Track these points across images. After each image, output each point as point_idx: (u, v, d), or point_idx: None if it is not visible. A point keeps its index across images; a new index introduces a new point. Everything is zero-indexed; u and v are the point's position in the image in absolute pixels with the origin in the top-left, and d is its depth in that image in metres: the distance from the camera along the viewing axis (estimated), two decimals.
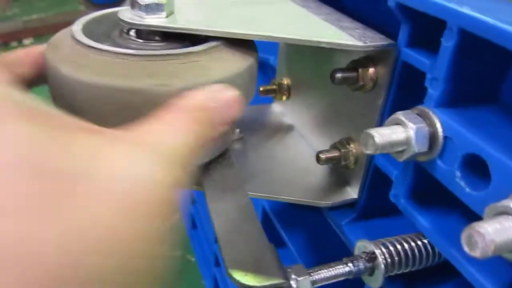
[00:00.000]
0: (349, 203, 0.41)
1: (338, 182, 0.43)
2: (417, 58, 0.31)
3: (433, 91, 0.29)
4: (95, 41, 0.29)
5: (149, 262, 0.19)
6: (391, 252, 0.34)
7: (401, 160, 0.29)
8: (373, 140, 0.28)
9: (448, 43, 0.27)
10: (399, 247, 0.34)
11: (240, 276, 0.28)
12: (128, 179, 0.19)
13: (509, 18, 0.24)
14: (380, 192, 0.36)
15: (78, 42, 0.28)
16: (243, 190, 0.32)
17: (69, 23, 0.32)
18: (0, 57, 0.29)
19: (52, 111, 0.21)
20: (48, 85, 0.29)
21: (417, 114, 0.29)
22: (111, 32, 0.34)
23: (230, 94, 0.27)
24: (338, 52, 0.40)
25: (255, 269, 0.29)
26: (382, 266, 0.33)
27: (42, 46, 0.30)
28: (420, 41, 0.32)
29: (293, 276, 0.32)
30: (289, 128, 0.52)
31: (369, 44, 0.33)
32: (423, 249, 0.34)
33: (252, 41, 0.34)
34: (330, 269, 0.34)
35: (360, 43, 0.32)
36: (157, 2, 0.30)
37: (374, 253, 0.34)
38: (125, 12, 0.31)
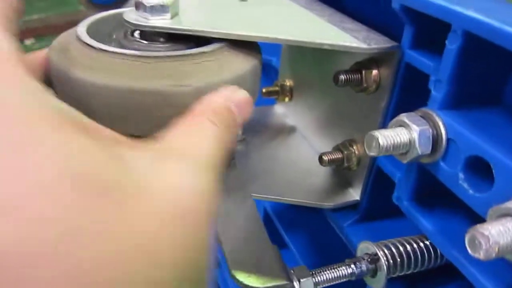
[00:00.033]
0: (351, 205, 0.41)
1: (341, 184, 0.43)
2: (421, 60, 0.31)
3: (437, 93, 0.29)
4: (101, 43, 0.29)
5: (200, 271, 0.20)
6: (394, 254, 0.34)
7: (404, 162, 0.29)
8: (377, 142, 0.28)
9: (452, 45, 0.27)
10: (401, 249, 0.34)
11: (243, 277, 0.28)
12: (177, 191, 0.19)
13: None
14: (383, 194, 0.36)
15: (88, 45, 0.28)
16: (246, 191, 0.32)
17: (70, 23, 0.32)
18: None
19: (93, 123, 0.20)
20: (56, 89, 0.29)
21: (421, 116, 0.29)
22: (114, 33, 0.34)
23: (242, 95, 0.27)
24: (341, 54, 0.40)
25: (258, 270, 0.29)
26: (385, 267, 0.33)
27: (45, 50, 0.30)
28: (423, 43, 0.32)
29: (296, 277, 0.32)
30: (291, 130, 0.52)
31: (373, 46, 0.33)
32: (425, 251, 0.34)
33: (256, 42, 0.34)
34: (333, 270, 0.34)
35: (364, 45, 0.33)
36: (162, 3, 0.30)
37: (376, 254, 0.34)
38: (130, 14, 0.31)
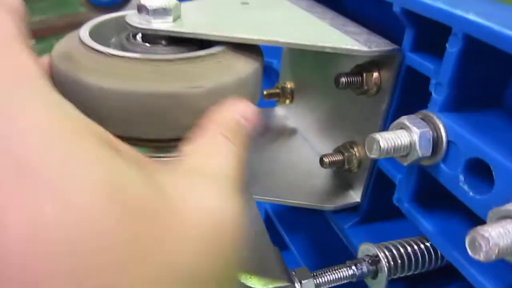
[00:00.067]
0: (352, 207, 0.42)
1: (341, 186, 0.43)
2: (422, 63, 0.31)
3: (437, 95, 0.29)
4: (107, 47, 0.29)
5: (234, 283, 0.21)
6: (394, 255, 0.34)
7: (405, 164, 0.29)
8: (378, 144, 0.28)
9: (453, 48, 0.28)
10: (402, 250, 0.34)
11: (244, 279, 0.29)
12: (211, 213, 0.20)
13: None
14: (383, 196, 0.37)
15: (94, 50, 0.28)
16: (248, 193, 0.33)
17: (70, 25, 0.32)
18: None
19: (116, 140, 0.20)
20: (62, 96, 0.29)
21: (421, 118, 0.29)
22: (115, 37, 0.34)
23: (247, 106, 0.27)
24: (342, 57, 0.40)
25: (260, 271, 0.29)
26: (385, 269, 0.34)
27: (47, 56, 0.30)
28: (424, 45, 0.32)
29: (297, 279, 0.32)
30: (292, 132, 0.52)
31: (374, 49, 0.33)
32: (426, 253, 0.34)
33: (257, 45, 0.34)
34: (334, 272, 0.34)
35: (365, 48, 0.33)
36: (164, 6, 0.31)
37: (377, 256, 0.34)
38: (132, 17, 0.31)
